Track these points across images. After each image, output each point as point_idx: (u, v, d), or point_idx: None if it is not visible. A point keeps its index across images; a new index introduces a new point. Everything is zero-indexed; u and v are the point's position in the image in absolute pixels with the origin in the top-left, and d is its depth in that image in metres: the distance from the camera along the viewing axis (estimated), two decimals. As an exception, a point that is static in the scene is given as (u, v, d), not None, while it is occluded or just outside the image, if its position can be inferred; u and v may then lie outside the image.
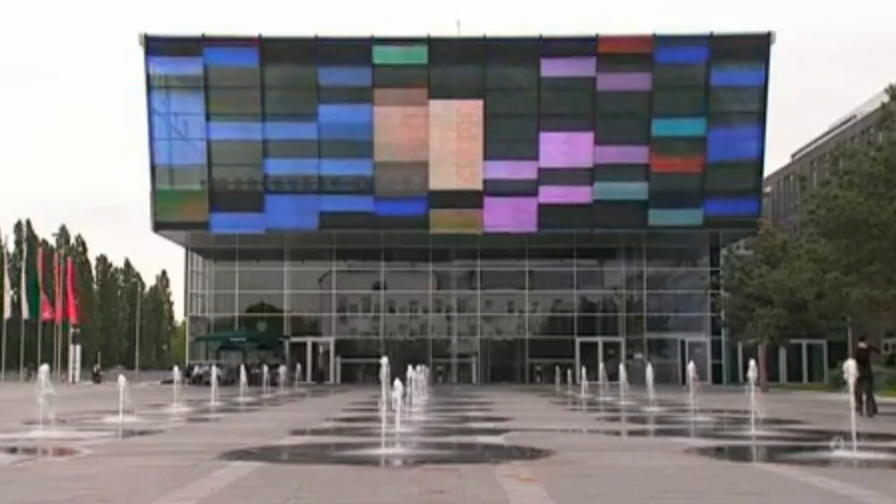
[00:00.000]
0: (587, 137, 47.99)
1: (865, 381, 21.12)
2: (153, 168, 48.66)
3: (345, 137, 48.56)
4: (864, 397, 21.25)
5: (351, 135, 48.51)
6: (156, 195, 48.75)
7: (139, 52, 47.97)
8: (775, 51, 47.66)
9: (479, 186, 48.20)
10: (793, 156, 65.86)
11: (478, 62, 48.08)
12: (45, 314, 61.66)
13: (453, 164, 48.16)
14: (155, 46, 48.12)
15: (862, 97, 66.36)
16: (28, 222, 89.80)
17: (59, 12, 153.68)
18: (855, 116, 56.08)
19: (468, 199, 48.21)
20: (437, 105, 48.02)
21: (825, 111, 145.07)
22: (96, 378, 59.88)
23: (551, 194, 48.11)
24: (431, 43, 47.94)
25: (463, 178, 48.21)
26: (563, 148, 48.08)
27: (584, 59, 47.90)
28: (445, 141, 48.07)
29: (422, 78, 48.06)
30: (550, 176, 48.02)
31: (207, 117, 48.24)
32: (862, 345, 24.41)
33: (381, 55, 47.93)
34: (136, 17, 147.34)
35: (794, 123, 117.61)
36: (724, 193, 48.10)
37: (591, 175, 48.13)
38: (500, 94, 48.36)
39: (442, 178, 48.28)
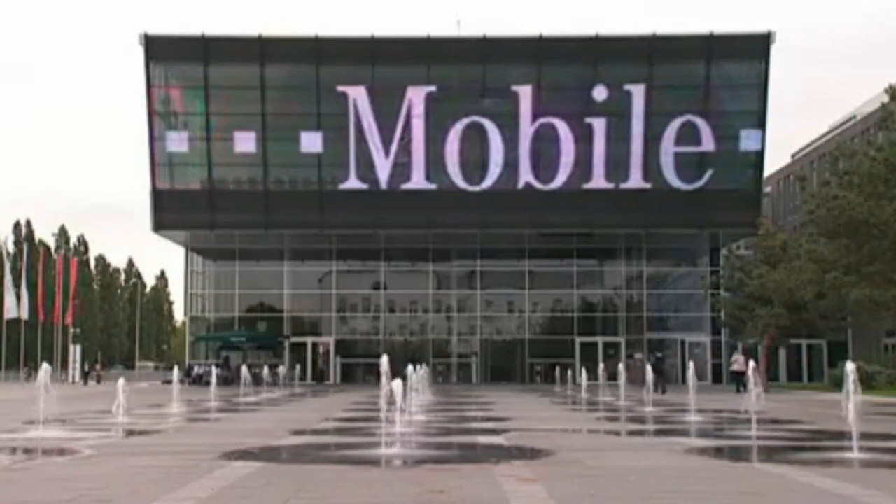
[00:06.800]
0: (586, 136, 47.93)
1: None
2: (153, 168, 48.61)
3: (345, 137, 48.42)
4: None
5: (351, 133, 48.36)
6: (156, 195, 48.70)
7: (139, 52, 47.94)
8: (775, 51, 47.68)
9: (481, 185, 48.14)
10: (793, 156, 65.81)
11: (478, 62, 47.95)
12: (44, 314, 61.66)
13: (455, 164, 48.06)
14: (155, 46, 48.05)
15: (862, 97, 66.39)
16: (28, 222, 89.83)
17: (58, 12, 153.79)
18: (855, 116, 56.04)
19: (471, 198, 48.19)
20: (438, 103, 47.97)
21: (825, 111, 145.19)
22: (86, 377, 59.00)
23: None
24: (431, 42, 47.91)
25: (467, 176, 48.12)
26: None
27: (583, 59, 47.88)
28: (448, 141, 47.96)
29: (422, 77, 47.98)
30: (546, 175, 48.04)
31: (207, 117, 48.21)
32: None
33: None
34: (137, 17, 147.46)
35: (794, 123, 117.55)
36: (724, 193, 48.03)
37: (588, 173, 48.05)
38: (499, 92, 48.26)
39: (443, 177, 48.26)
